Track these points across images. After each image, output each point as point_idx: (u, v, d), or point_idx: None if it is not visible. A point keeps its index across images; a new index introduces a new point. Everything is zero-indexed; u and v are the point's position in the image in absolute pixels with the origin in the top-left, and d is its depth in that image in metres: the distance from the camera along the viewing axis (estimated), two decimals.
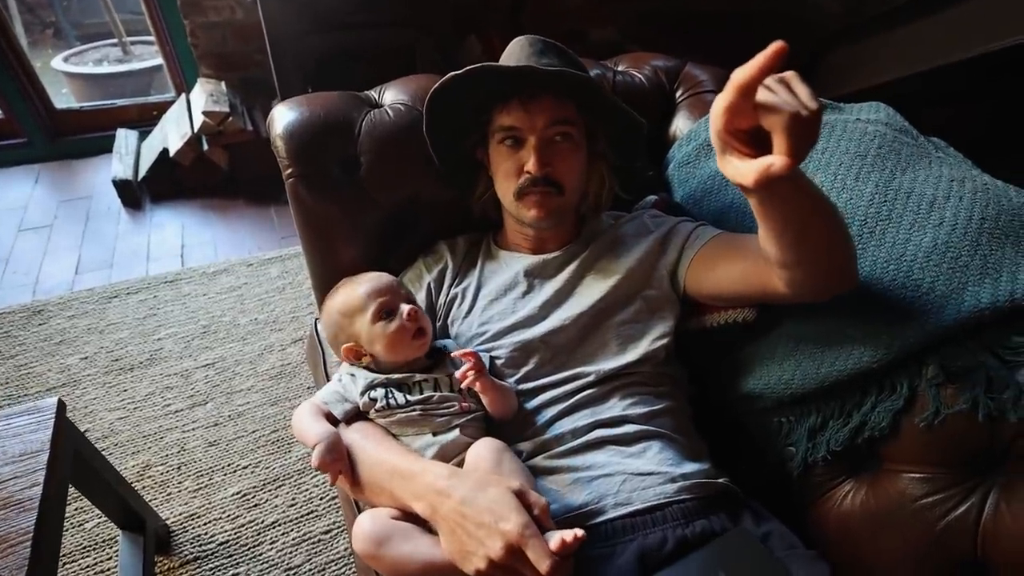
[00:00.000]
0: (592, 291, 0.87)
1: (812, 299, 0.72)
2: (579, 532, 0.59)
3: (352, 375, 0.79)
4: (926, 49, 1.79)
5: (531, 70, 0.79)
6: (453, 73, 0.83)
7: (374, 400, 0.75)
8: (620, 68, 1.20)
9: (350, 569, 1.22)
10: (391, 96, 1.05)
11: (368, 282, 0.82)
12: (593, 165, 0.91)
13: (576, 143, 0.86)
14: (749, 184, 0.53)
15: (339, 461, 0.70)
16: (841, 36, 1.99)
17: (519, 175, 0.85)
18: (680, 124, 1.13)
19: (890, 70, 1.86)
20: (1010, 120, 1.97)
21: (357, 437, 0.74)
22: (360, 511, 0.83)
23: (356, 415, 0.77)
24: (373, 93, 1.07)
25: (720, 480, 0.77)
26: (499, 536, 0.58)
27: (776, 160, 0.50)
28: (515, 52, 0.86)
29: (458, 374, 0.76)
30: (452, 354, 0.78)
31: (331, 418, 0.76)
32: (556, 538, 0.58)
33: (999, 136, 1.73)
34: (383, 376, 0.77)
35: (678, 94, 1.17)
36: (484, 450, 0.71)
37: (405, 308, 0.79)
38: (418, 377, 0.78)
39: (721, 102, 0.52)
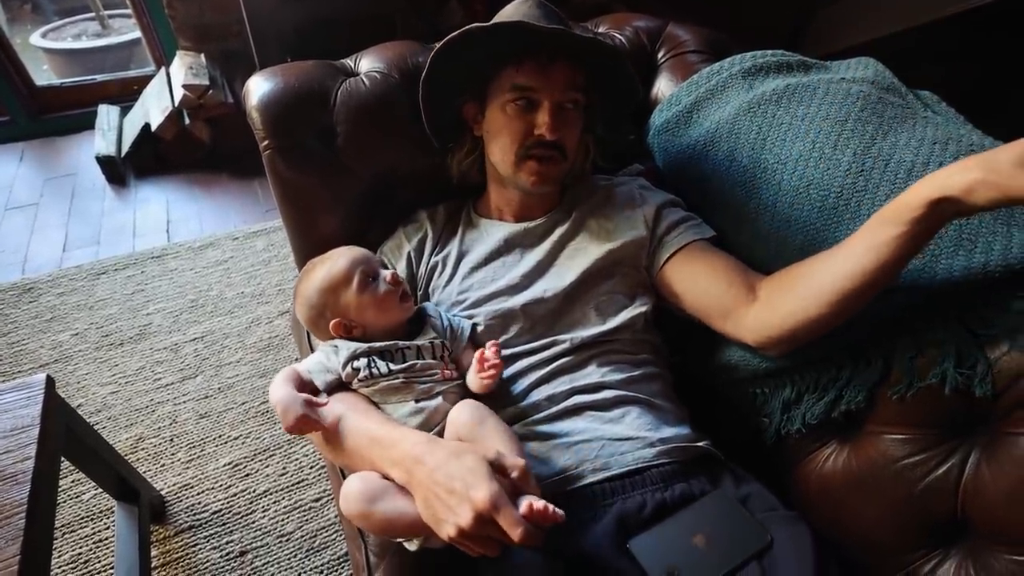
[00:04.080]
0: (574, 263, 0.87)
1: (755, 344, 0.78)
2: (559, 511, 0.59)
3: (335, 346, 0.79)
4: (919, 4, 1.76)
5: (568, 34, 0.77)
6: (479, 24, 0.79)
7: (357, 370, 0.75)
8: (601, 29, 1.17)
9: (340, 535, 1.25)
10: (367, 64, 1.03)
11: (343, 255, 0.82)
12: (581, 134, 0.90)
13: (580, 111, 0.86)
14: None
15: (303, 420, 0.68)
16: None
17: (526, 137, 0.83)
18: (662, 86, 1.11)
19: (882, 26, 1.83)
20: (1003, 77, 1.94)
21: (340, 407, 0.74)
22: (345, 477, 0.85)
23: (339, 385, 0.77)
24: (349, 61, 1.05)
25: (700, 444, 0.78)
26: (469, 505, 0.58)
27: None
28: (522, 12, 0.83)
29: (475, 376, 0.75)
30: (484, 352, 0.76)
31: (312, 387, 0.76)
32: (524, 503, 0.58)
33: (992, 93, 1.70)
34: (366, 345, 0.77)
35: (660, 55, 1.14)
36: (466, 411, 0.71)
37: (385, 273, 0.81)
38: (401, 344, 0.78)
39: None
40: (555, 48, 0.81)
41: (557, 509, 0.59)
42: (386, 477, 0.68)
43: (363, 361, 0.76)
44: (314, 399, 0.71)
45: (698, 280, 0.83)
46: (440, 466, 0.61)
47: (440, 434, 0.73)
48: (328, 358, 0.78)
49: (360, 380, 0.76)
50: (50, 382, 0.92)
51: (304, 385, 0.75)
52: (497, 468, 0.62)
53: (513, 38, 0.80)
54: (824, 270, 0.69)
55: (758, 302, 0.77)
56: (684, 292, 0.85)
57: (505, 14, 0.85)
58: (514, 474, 0.62)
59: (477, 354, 0.76)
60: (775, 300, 0.75)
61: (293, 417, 0.68)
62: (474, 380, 0.77)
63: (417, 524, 0.64)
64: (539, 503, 0.58)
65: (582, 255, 0.87)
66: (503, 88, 0.84)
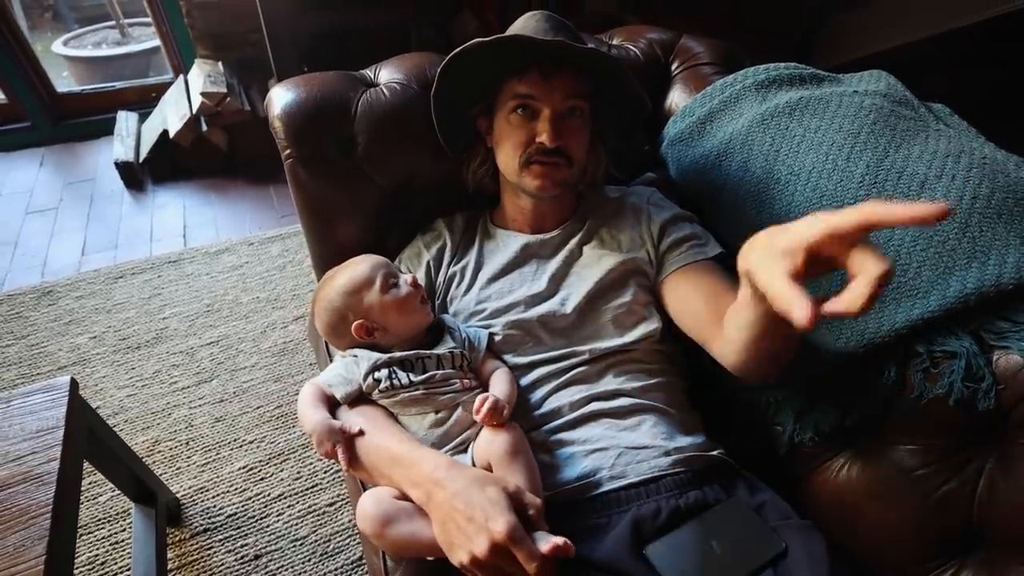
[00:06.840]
0: (588, 274, 0.87)
1: (733, 373, 0.77)
2: (570, 545, 0.60)
3: (355, 356, 0.79)
4: (933, 13, 1.75)
5: (566, 45, 0.78)
6: (479, 40, 0.81)
7: (378, 381, 0.76)
8: (615, 42, 1.18)
9: (354, 540, 1.26)
10: (386, 75, 1.05)
11: (364, 261, 0.83)
12: (592, 143, 0.91)
13: (585, 120, 0.87)
14: (801, 315, 0.44)
15: (339, 446, 0.71)
16: (840, 3, 1.95)
17: (528, 145, 0.84)
18: (675, 98, 1.12)
19: (894, 36, 1.82)
20: (1014, 87, 1.93)
21: (360, 421, 0.74)
22: (364, 487, 0.84)
23: (359, 396, 0.78)
24: (368, 72, 1.07)
25: (714, 452, 0.78)
26: (486, 535, 0.58)
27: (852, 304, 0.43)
28: (530, 25, 0.85)
29: (479, 418, 0.73)
30: (475, 416, 0.73)
31: (333, 400, 0.77)
32: (550, 542, 0.59)
33: (1003, 103, 1.70)
34: (386, 356, 0.78)
35: (674, 67, 1.16)
36: (503, 440, 0.70)
37: (406, 276, 0.82)
38: (422, 353, 0.78)
39: (830, 223, 0.46)
40: (557, 58, 0.82)
41: (570, 543, 0.60)
42: (404, 496, 0.68)
43: (384, 372, 0.76)
44: (350, 430, 0.72)
45: (689, 303, 0.83)
46: (460, 492, 0.62)
47: (460, 444, 0.74)
48: (348, 369, 0.78)
49: (380, 391, 0.76)
50: (74, 384, 0.93)
51: (328, 400, 0.76)
52: (515, 501, 0.62)
53: (513, 51, 0.82)
54: (732, 318, 0.70)
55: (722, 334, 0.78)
56: (677, 313, 0.85)
57: (514, 28, 0.87)
58: (531, 512, 0.63)
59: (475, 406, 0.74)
60: (722, 338, 0.76)
61: (330, 447, 0.70)
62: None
63: (430, 546, 0.64)
64: (560, 540, 0.60)
65: (596, 266, 0.88)
66: (506, 98, 0.85)
